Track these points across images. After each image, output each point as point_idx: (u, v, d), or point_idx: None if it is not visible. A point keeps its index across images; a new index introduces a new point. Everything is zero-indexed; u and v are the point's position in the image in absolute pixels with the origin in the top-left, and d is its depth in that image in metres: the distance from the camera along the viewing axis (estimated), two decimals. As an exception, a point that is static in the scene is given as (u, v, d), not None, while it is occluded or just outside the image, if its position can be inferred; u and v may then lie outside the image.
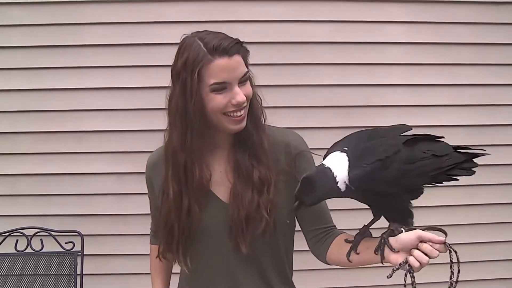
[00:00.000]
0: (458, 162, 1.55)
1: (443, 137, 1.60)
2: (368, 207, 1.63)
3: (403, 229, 1.53)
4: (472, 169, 1.57)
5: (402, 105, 3.46)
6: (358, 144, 1.55)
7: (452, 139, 3.34)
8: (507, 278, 3.60)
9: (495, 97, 3.52)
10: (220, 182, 1.72)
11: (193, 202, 1.66)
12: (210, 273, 1.75)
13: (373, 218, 1.64)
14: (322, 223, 1.78)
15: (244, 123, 1.65)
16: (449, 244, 1.45)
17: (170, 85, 1.65)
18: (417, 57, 3.46)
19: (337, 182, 1.49)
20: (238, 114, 1.61)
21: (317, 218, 1.78)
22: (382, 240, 1.52)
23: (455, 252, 1.46)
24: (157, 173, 1.76)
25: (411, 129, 1.60)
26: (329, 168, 1.50)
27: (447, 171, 1.54)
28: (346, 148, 1.53)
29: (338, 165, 1.50)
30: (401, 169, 1.48)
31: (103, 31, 3.32)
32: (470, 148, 1.59)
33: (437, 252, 1.43)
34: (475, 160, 1.60)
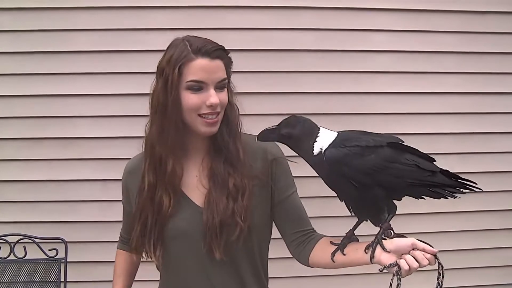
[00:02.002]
0: (443, 183, 1.59)
1: (434, 160, 1.62)
2: (352, 215, 1.65)
3: (392, 231, 1.57)
4: (456, 194, 1.60)
5: (387, 113, 3.48)
6: (348, 132, 1.63)
7: (437, 146, 3.39)
8: (491, 285, 3.62)
9: (479, 105, 3.55)
10: (195, 186, 1.75)
11: (164, 195, 1.70)
12: (187, 277, 1.76)
13: (357, 221, 1.66)
14: (302, 226, 1.81)
15: (215, 128, 1.70)
16: (439, 258, 1.49)
17: (154, 81, 1.71)
18: (402, 65, 3.48)
19: (315, 141, 1.59)
20: (210, 116, 1.66)
21: (297, 222, 1.81)
22: (376, 239, 1.55)
23: (442, 266, 1.51)
24: (134, 179, 1.79)
25: (403, 142, 1.63)
26: (319, 129, 1.61)
27: (430, 186, 1.58)
28: (339, 132, 1.63)
29: (326, 135, 1.60)
30: (378, 163, 1.53)
31: (90, 37, 3.31)
32: (460, 178, 1.61)
33: (427, 261, 1.47)
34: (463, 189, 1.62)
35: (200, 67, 1.61)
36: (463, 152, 3.55)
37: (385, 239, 1.55)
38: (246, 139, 1.78)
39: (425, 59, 3.48)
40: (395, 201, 1.60)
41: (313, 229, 1.82)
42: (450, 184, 1.59)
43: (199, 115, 1.65)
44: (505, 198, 3.59)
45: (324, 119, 3.35)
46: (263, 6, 3.37)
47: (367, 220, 1.63)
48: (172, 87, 1.62)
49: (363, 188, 1.54)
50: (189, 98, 1.63)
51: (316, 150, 1.59)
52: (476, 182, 1.59)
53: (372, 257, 1.54)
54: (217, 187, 1.71)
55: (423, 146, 3.34)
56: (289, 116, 1.66)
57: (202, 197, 1.73)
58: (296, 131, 1.62)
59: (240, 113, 1.79)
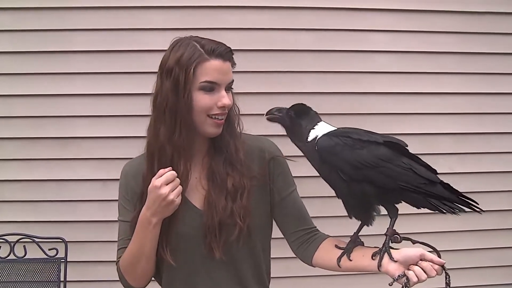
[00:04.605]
0: (440, 195, 1.57)
1: (436, 172, 1.62)
2: (351, 218, 1.66)
3: (398, 236, 1.58)
4: (456, 211, 1.59)
5: (386, 113, 3.49)
6: (349, 128, 1.66)
7: (437, 147, 3.38)
8: (491, 285, 3.62)
9: (479, 105, 3.56)
10: (195, 188, 1.75)
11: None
12: (190, 277, 1.76)
13: (360, 224, 1.66)
14: (304, 224, 1.81)
15: (221, 129, 1.71)
16: (446, 268, 1.50)
17: (156, 82, 1.70)
18: (401, 66, 3.49)
19: (313, 128, 1.64)
20: (220, 117, 1.68)
21: (298, 220, 1.81)
22: (383, 247, 1.55)
23: (449, 275, 1.52)
24: (138, 183, 1.77)
25: (407, 145, 1.63)
26: (320, 120, 1.67)
27: (426, 196, 1.56)
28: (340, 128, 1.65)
29: (325, 126, 1.65)
30: (368, 158, 1.54)
31: (89, 37, 3.32)
32: (463, 195, 1.60)
33: (435, 272, 1.48)
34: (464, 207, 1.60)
35: (214, 68, 1.63)
36: (463, 152, 3.55)
37: (392, 248, 1.56)
38: (244, 139, 1.80)
39: (424, 59, 3.49)
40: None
41: (316, 227, 1.83)
42: (448, 198, 1.57)
43: (209, 116, 1.66)
44: (505, 198, 3.59)
45: (323, 119, 3.38)
46: (262, 6, 3.38)
47: (368, 225, 1.63)
48: (185, 88, 1.62)
49: (351, 182, 1.55)
50: (202, 99, 1.64)
51: (310, 137, 1.62)
52: (478, 203, 1.59)
53: (379, 265, 1.54)
54: (216, 187, 1.71)
55: (423, 147, 3.39)
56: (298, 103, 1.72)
57: (201, 199, 1.73)
58: (300, 114, 1.69)
59: (239, 113, 1.80)
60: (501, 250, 3.61)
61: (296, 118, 1.69)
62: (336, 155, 1.55)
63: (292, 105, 1.73)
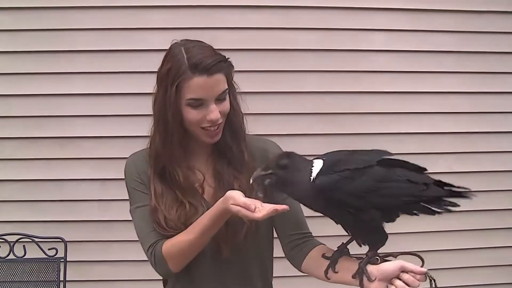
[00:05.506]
0: (438, 196, 1.55)
1: (426, 169, 1.59)
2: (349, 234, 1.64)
3: (378, 258, 1.54)
4: (450, 208, 1.56)
5: (386, 112, 3.48)
6: (335, 155, 1.58)
7: (436, 146, 3.38)
8: (488, 284, 3.62)
9: (478, 105, 3.55)
10: (202, 186, 1.76)
11: (186, 200, 1.70)
12: (197, 276, 1.75)
13: (351, 236, 1.64)
14: (300, 229, 1.81)
15: (218, 137, 1.71)
16: (429, 274, 1.48)
17: (155, 87, 1.70)
18: (401, 65, 3.48)
19: (313, 166, 1.52)
20: (213, 129, 1.66)
21: (296, 224, 1.81)
22: (360, 269, 1.52)
23: (434, 280, 1.50)
24: (146, 170, 1.77)
25: (392, 154, 1.59)
26: (312, 162, 1.54)
27: (425, 202, 1.54)
28: (325, 158, 1.56)
29: (318, 162, 1.54)
30: (370, 184, 1.49)
31: (88, 37, 3.31)
32: (454, 186, 1.57)
33: (418, 282, 1.46)
34: (456, 199, 1.57)
35: (198, 85, 1.60)
36: (461, 151, 3.55)
37: (373, 263, 1.53)
38: (247, 139, 1.80)
39: (424, 59, 3.48)
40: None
41: (311, 233, 1.82)
42: (446, 195, 1.55)
43: (202, 127, 1.66)
44: (503, 197, 3.59)
45: (323, 118, 3.41)
46: (263, 5, 3.37)
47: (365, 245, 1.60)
48: (170, 102, 1.62)
49: (359, 213, 1.51)
50: (190, 114, 1.63)
51: (313, 175, 1.52)
52: (469, 188, 1.56)
53: (361, 286, 1.52)
54: (222, 189, 1.70)
55: (422, 146, 3.38)
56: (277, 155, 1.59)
57: (210, 195, 1.74)
58: (293, 160, 1.55)
59: (243, 114, 1.79)
60: (500, 249, 3.61)
61: (292, 164, 1.54)
62: (339, 191, 1.48)
63: (275, 158, 1.57)
